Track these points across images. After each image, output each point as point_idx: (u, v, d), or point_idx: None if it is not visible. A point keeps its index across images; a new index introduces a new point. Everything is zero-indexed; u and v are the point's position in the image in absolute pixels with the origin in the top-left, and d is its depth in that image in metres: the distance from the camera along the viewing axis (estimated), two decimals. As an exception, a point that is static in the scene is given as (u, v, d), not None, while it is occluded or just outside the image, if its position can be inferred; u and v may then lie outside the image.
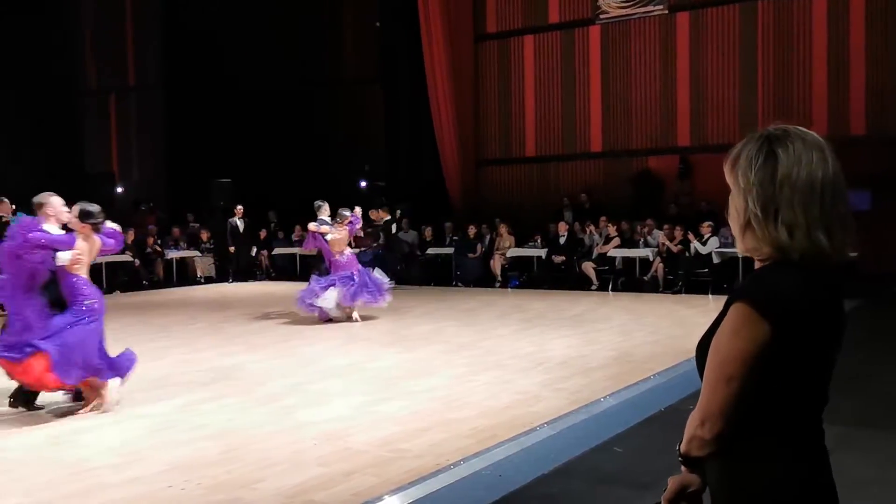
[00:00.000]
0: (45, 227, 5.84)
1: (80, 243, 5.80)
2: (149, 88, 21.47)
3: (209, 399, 6.26)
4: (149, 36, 21.35)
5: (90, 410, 5.80)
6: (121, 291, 14.95)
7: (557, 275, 14.65)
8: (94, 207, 5.97)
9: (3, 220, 13.56)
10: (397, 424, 5.41)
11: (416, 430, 5.27)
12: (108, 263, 15.12)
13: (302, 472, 4.46)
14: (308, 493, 4.12)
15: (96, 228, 5.94)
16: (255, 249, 17.59)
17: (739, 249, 1.67)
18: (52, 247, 5.75)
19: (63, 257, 5.72)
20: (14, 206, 13.73)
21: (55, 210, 5.95)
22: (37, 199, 6.01)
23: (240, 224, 16.83)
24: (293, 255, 17.67)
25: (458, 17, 17.65)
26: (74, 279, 5.76)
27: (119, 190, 21.10)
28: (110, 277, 15.15)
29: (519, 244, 15.45)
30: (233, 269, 17.00)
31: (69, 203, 6.06)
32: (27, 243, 5.70)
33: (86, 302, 5.74)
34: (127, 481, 4.35)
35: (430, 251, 16.13)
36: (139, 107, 22.02)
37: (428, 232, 16.32)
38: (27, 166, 19.17)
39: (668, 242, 13.62)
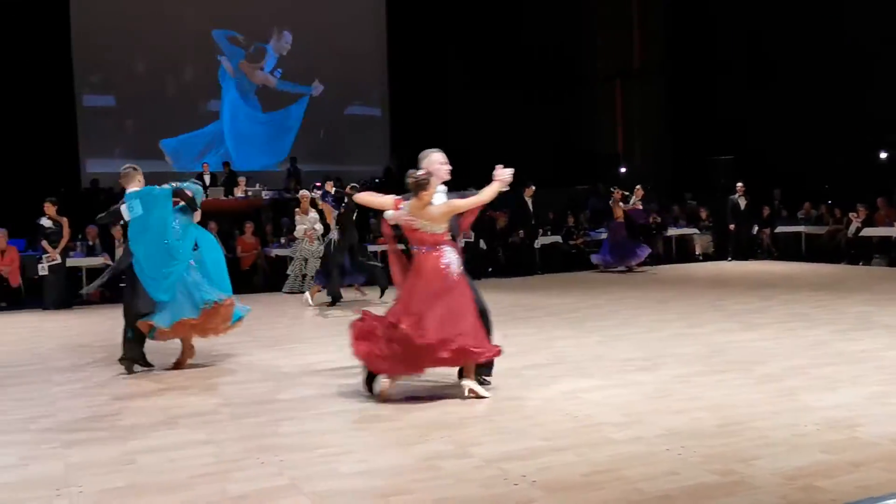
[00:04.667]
0: None
1: None
2: (651, 73, 22.14)
3: (705, 373, 6.34)
4: (653, 22, 21.99)
5: None
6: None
7: None
8: None
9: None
10: (917, 420, 4.86)
11: (940, 429, 4.68)
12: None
13: (803, 455, 4.30)
14: (809, 478, 3.96)
15: None
16: (756, 227, 17.05)
17: None
18: None
19: None
20: (534, 188, 15.44)
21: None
22: None
23: (741, 202, 16.51)
24: (798, 234, 16.71)
25: None
26: None
27: (622, 170, 22.20)
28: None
29: None
30: (732, 246, 16.76)
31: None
32: None
33: None
34: (629, 440, 4.67)
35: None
36: (642, 91, 22.85)
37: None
38: (537, 149, 21.19)
39: None
